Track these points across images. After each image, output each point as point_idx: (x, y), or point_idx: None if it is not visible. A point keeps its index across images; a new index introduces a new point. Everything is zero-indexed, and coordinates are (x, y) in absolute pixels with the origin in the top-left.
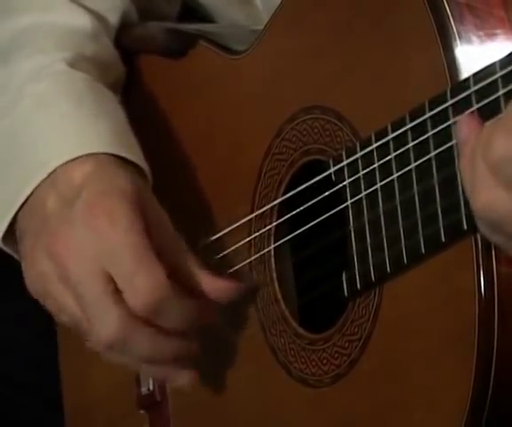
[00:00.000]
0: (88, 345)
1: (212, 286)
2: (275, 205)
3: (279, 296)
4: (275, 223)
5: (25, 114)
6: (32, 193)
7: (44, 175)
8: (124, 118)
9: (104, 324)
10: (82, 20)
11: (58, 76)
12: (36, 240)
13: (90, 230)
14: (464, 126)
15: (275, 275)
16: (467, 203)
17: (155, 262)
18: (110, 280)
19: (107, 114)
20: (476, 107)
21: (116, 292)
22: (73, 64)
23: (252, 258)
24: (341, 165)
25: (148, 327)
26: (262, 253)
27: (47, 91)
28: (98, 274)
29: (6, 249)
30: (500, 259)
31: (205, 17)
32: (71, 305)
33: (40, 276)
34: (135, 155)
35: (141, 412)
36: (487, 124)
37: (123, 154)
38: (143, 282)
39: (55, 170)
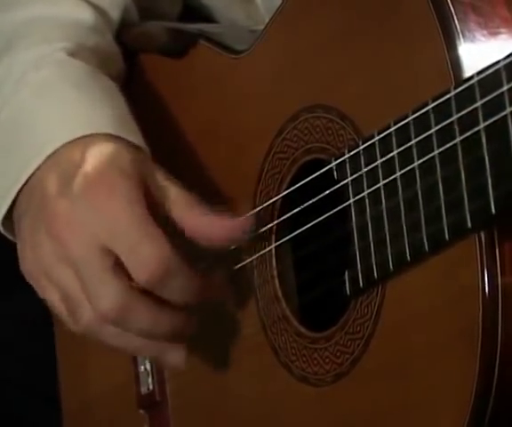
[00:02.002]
0: (78, 329)
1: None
2: (276, 204)
3: (280, 295)
4: (276, 222)
5: (25, 101)
6: (31, 175)
7: (44, 157)
8: (125, 104)
9: (103, 296)
10: (84, 14)
11: (58, 63)
12: (35, 220)
13: (90, 206)
14: None
15: (276, 273)
16: (470, 200)
17: (158, 234)
18: (110, 254)
19: (107, 98)
20: (479, 103)
21: (117, 265)
22: (73, 53)
23: (254, 257)
24: (343, 158)
25: (149, 300)
26: (263, 251)
27: (47, 78)
28: (97, 248)
29: (5, 233)
30: (504, 258)
31: (206, 17)
32: (68, 282)
33: (37, 254)
34: (134, 136)
35: (141, 412)
36: None
37: (123, 135)
38: (148, 253)
39: (55, 151)
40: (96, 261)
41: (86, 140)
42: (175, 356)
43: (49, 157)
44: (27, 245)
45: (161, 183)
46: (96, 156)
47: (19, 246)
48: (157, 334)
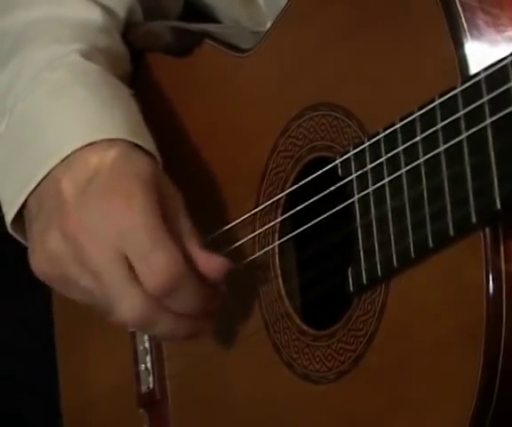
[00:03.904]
0: (109, 320)
1: (208, 264)
2: (280, 202)
3: (283, 293)
4: (279, 219)
5: (40, 100)
6: (45, 177)
7: (58, 160)
8: (137, 110)
9: (129, 306)
10: (93, 14)
11: (73, 66)
12: (48, 222)
13: (106, 213)
14: None
15: (279, 271)
16: (476, 196)
17: (170, 243)
18: (128, 261)
19: (121, 104)
20: (486, 98)
21: (134, 273)
22: (87, 56)
23: (257, 254)
24: (348, 155)
25: (167, 308)
26: (266, 249)
27: (62, 80)
28: (118, 257)
29: (14, 234)
30: (509, 254)
31: (208, 16)
32: (89, 286)
33: (52, 257)
34: (149, 144)
35: (141, 411)
36: None
37: (136, 141)
38: (160, 261)
39: (70, 155)
40: (117, 269)
41: (103, 144)
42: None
43: (64, 159)
44: (39, 247)
45: (173, 193)
46: (113, 162)
47: (30, 248)
48: (177, 337)
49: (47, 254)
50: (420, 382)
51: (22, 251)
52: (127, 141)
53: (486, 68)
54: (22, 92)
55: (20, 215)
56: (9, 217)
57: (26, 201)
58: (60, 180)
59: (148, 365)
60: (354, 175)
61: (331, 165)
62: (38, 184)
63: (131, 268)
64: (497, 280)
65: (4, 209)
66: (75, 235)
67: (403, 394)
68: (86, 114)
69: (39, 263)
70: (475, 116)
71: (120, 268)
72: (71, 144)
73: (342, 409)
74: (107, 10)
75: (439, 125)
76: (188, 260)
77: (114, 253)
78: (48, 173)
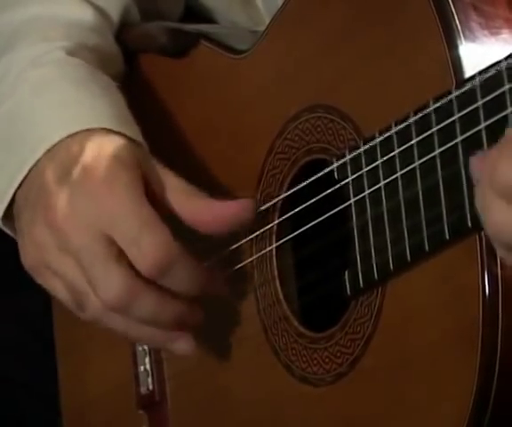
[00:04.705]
0: (85, 316)
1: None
2: (277, 205)
3: (281, 296)
4: (276, 222)
5: (23, 97)
6: (29, 171)
7: (42, 152)
8: (124, 102)
9: (108, 285)
10: (85, 14)
11: (57, 61)
12: (33, 212)
13: (89, 197)
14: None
15: (276, 274)
16: (471, 200)
17: (159, 223)
18: (112, 243)
19: (106, 96)
20: (480, 102)
21: (119, 253)
22: (73, 53)
23: (254, 257)
24: (344, 160)
25: (152, 288)
26: (264, 252)
27: (46, 75)
28: (99, 237)
29: (5, 229)
30: None
31: (206, 18)
32: (71, 272)
33: (37, 247)
34: (132, 131)
35: (140, 412)
36: (491, 150)
37: (122, 130)
38: (149, 242)
39: (53, 146)
40: (98, 250)
41: (85, 133)
42: (182, 343)
43: (47, 151)
44: (26, 239)
45: (160, 175)
46: (95, 147)
47: (19, 242)
48: (162, 322)
49: (35, 245)
50: (417, 385)
51: None
52: (109, 130)
53: (481, 72)
54: (7, 91)
55: (9, 211)
56: None
57: (14, 196)
58: (43, 171)
59: (148, 366)
60: (350, 178)
61: (327, 170)
62: (25, 178)
63: (111, 246)
64: (493, 283)
65: None
66: (57, 222)
67: (400, 396)
68: (68, 107)
69: (28, 253)
70: (469, 120)
71: (100, 246)
72: (54, 136)
73: (340, 411)
74: (100, 11)
75: (434, 129)
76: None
77: (96, 233)
78: (33, 167)
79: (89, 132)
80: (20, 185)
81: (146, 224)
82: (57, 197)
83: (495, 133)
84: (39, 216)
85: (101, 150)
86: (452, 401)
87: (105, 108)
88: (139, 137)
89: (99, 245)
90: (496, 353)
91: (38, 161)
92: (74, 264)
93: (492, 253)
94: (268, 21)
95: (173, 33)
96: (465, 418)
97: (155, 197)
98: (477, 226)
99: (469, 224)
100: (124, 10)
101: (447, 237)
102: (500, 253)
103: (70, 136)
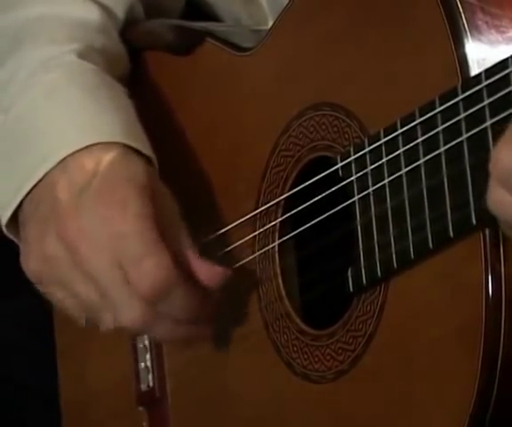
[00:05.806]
0: (102, 329)
1: (203, 272)
2: (280, 202)
3: (283, 293)
4: (279, 219)
5: (35, 102)
6: (40, 180)
7: (54, 164)
8: (134, 111)
9: (129, 310)
10: (91, 13)
11: (68, 66)
12: (44, 225)
13: (102, 218)
14: None
15: (279, 271)
16: (476, 198)
17: (162, 248)
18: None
19: (118, 105)
20: (487, 102)
21: None
22: (83, 56)
23: (257, 254)
24: (349, 160)
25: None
26: (266, 249)
27: (57, 80)
28: (113, 262)
29: (9, 235)
30: (508, 255)
31: (208, 14)
32: (86, 291)
33: (47, 260)
34: (145, 147)
35: (140, 409)
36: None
37: (133, 144)
38: (150, 265)
39: (65, 158)
40: (115, 274)
41: (98, 148)
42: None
43: (60, 162)
44: (33, 248)
45: (168, 198)
46: (109, 166)
47: (22, 248)
48: (177, 338)
49: (44, 257)
50: (418, 383)
51: None
52: (124, 145)
53: (487, 70)
54: (18, 93)
55: (14, 216)
56: (4, 219)
57: (21, 203)
58: (55, 183)
59: (148, 363)
60: (354, 176)
61: (332, 169)
62: (34, 187)
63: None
64: (496, 281)
65: None
66: (70, 238)
67: (401, 394)
68: (82, 116)
69: (33, 264)
70: (475, 118)
71: (116, 272)
72: (67, 148)
73: (341, 409)
74: (105, 9)
75: (440, 127)
76: (183, 265)
77: (110, 257)
78: (44, 177)
79: (102, 145)
80: (28, 193)
81: (149, 246)
82: (70, 214)
83: (501, 132)
84: (51, 230)
85: (115, 170)
86: (453, 399)
87: (119, 122)
88: (149, 152)
89: (114, 270)
90: (498, 351)
91: (49, 172)
92: (88, 284)
93: (495, 251)
94: (271, 20)
95: (179, 30)
96: (467, 416)
97: (159, 215)
98: (482, 223)
99: (474, 222)
100: (128, 7)
101: (451, 234)
102: (502, 226)
103: (83, 149)
